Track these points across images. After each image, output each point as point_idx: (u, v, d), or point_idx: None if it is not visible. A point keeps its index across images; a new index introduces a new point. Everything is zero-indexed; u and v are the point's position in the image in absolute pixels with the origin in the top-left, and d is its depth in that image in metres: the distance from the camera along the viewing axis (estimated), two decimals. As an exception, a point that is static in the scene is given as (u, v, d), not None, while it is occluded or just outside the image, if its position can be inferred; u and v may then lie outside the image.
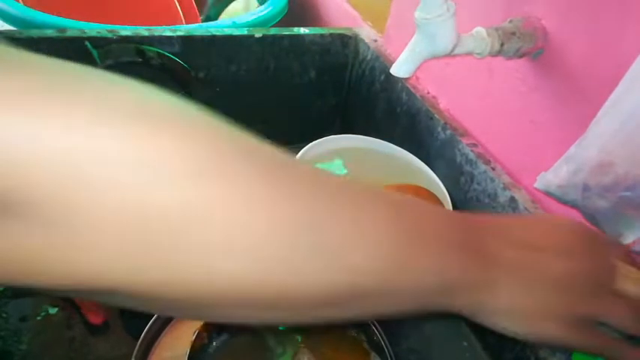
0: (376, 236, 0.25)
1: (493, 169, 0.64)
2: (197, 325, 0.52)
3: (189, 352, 0.49)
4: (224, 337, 0.55)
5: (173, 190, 0.20)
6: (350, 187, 0.26)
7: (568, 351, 0.54)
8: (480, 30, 0.55)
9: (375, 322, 0.55)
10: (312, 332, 0.57)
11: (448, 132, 0.70)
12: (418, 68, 0.54)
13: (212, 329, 0.54)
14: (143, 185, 0.19)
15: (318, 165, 0.70)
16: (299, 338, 0.56)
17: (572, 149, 0.43)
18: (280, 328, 0.56)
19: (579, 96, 0.53)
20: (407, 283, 0.26)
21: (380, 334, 0.54)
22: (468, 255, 0.29)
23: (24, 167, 0.18)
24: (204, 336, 0.53)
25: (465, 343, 0.68)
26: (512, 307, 0.30)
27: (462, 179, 0.68)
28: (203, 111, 0.23)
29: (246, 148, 0.23)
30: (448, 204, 0.66)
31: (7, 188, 0.18)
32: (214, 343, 0.54)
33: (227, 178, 0.21)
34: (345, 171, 0.71)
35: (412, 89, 0.78)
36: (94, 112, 0.19)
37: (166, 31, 0.79)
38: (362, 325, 0.55)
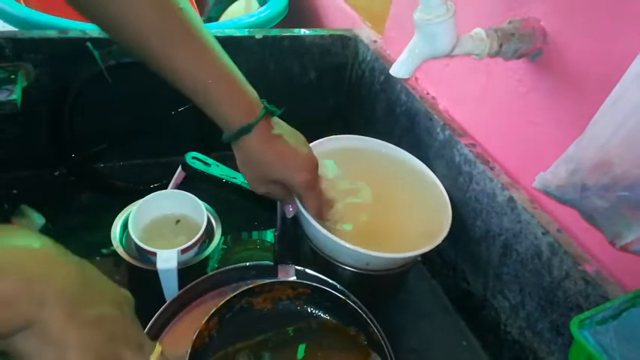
0: None
1: (492, 169, 0.64)
2: (198, 324, 0.52)
3: (190, 351, 0.49)
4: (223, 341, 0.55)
5: None
6: None
7: (566, 351, 0.54)
8: (479, 31, 0.55)
9: (375, 322, 0.55)
10: (312, 333, 0.57)
11: (447, 132, 0.71)
12: (417, 69, 0.55)
13: (213, 329, 0.54)
14: None
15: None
16: (291, 332, 0.56)
17: (571, 149, 0.43)
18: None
19: (578, 96, 0.54)
20: None
21: (380, 334, 0.54)
22: None
23: None
24: (205, 335, 0.53)
25: (465, 343, 0.69)
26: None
27: (461, 179, 0.69)
28: None
29: None
30: (447, 204, 0.66)
31: None
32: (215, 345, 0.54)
33: None
34: (337, 171, 0.71)
35: (411, 90, 0.79)
36: None
37: (167, 31, 0.79)
38: (362, 325, 0.55)
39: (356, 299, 0.57)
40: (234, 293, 0.55)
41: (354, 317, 0.56)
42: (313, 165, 0.57)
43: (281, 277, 0.60)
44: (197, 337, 0.51)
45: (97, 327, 0.33)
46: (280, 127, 0.56)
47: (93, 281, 0.35)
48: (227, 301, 0.54)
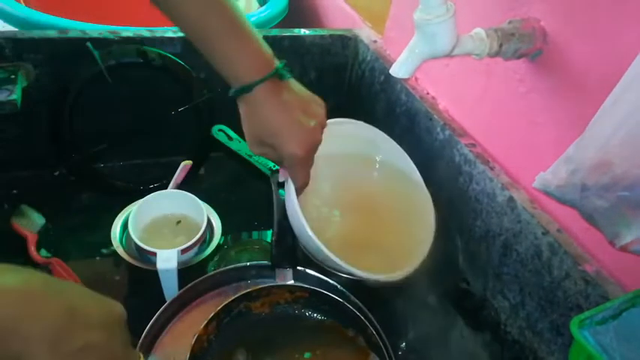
0: None
1: (492, 168, 0.64)
2: (198, 324, 0.52)
3: (189, 356, 0.49)
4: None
5: None
6: None
7: (566, 351, 0.54)
8: (479, 31, 0.55)
9: (375, 323, 0.55)
10: (310, 334, 0.57)
11: (447, 132, 0.71)
12: (417, 69, 0.55)
13: (211, 334, 0.54)
14: None
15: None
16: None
17: (571, 149, 0.43)
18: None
19: (578, 96, 0.54)
20: None
21: (379, 334, 0.54)
22: None
23: None
24: (204, 339, 0.53)
25: (465, 343, 0.69)
26: None
27: (461, 179, 0.68)
28: None
29: None
30: (432, 224, 0.65)
31: None
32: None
33: None
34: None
35: (411, 90, 0.79)
36: None
37: (168, 32, 0.79)
38: (360, 327, 0.55)
39: (356, 300, 0.57)
40: (232, 298, 0.54)
41: (352, 319, 0.55)
42: (312, 140, 0.54)
43: (279, 281, 0.60)
44: (196, 341, 0.51)
45: (81, 357, 0.34)
46: (292, 93, 0.53)
47: (80, 309, 0.35)
48: (225, 305, 0.54)
